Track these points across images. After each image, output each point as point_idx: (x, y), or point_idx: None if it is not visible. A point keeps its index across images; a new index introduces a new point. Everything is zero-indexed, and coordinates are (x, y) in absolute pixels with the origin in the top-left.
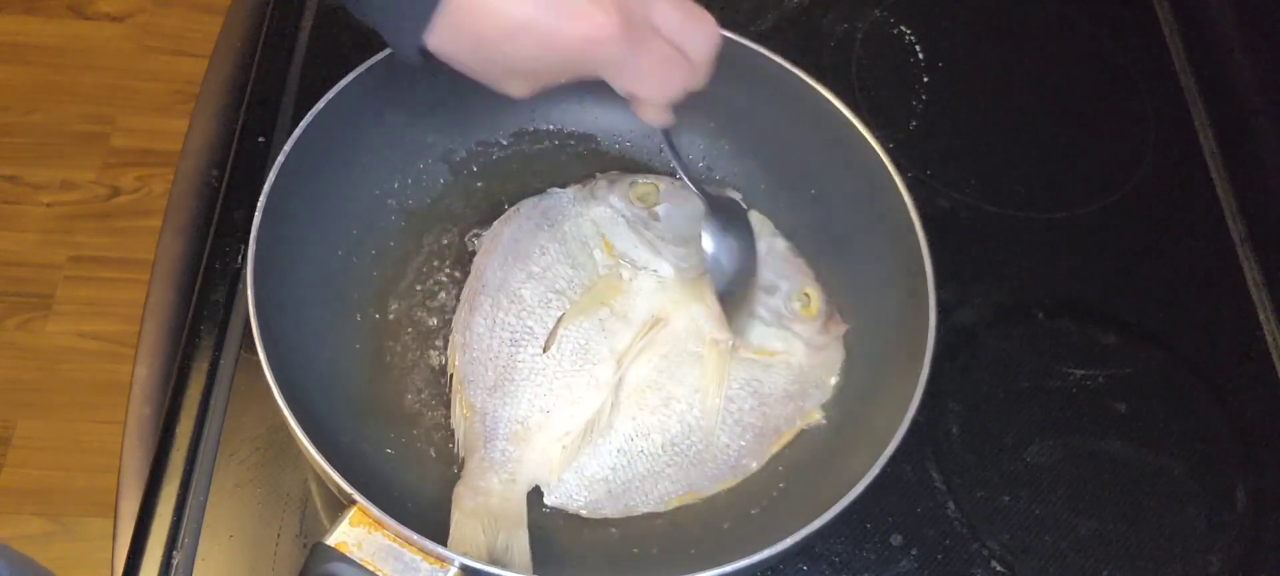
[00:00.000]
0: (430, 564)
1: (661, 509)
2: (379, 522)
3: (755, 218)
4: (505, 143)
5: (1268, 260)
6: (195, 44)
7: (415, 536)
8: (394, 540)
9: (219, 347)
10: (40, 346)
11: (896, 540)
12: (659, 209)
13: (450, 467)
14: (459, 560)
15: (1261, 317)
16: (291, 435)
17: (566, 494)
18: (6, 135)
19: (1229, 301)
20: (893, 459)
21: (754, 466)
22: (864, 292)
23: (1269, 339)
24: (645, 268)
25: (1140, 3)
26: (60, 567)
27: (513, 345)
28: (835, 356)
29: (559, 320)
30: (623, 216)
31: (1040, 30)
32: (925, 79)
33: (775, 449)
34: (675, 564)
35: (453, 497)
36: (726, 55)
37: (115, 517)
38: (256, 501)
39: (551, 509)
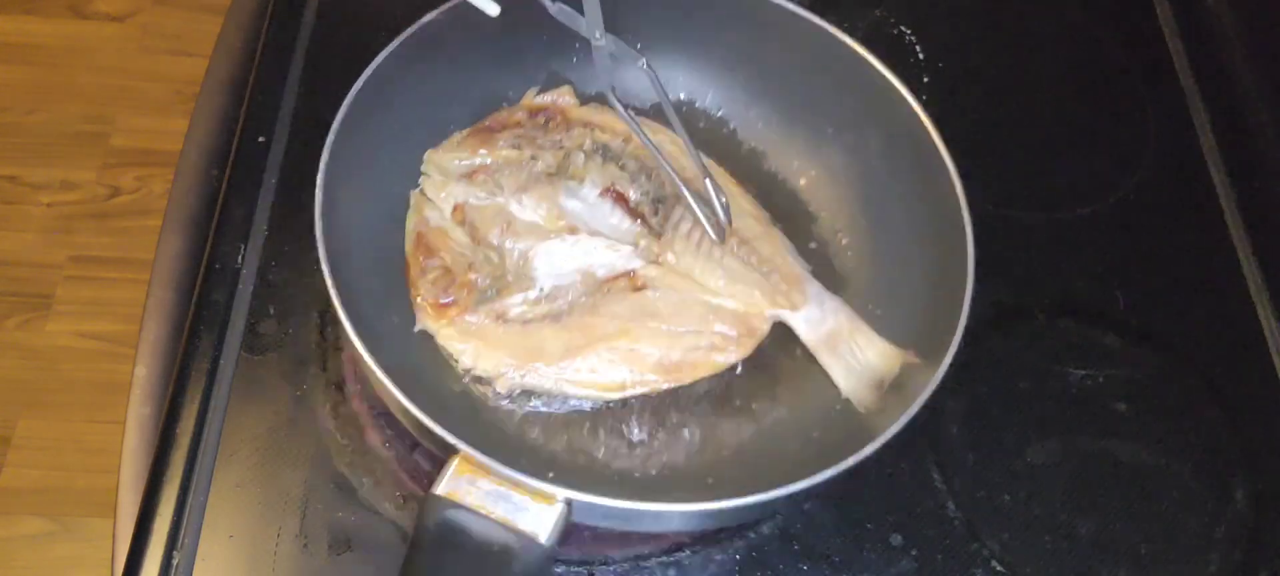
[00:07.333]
0: (538, 501)
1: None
2: (484, 468)
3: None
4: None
5: (1268, 260)
6: (195, 44)
7: (522, 476)
8: (501, 483)
9: (219, 347)
10: (40, 346)
11: (896, 540)
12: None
13: (528, 400)
14: (564, 495)
15: (1261, 317)
16: (386, 395)
17: None
18: (6, 135)
19: (1229, 301)
20: (893, 459)
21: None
22: (896, 238)
23: (1269, 339)
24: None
25: (1140, 3)
26: (60, 568)
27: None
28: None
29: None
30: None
31: (1040, 30)
32: (925, 79)
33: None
34: (757, 480)
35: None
36: (733, 6)
37: (115, 517)
38: (256, 501)
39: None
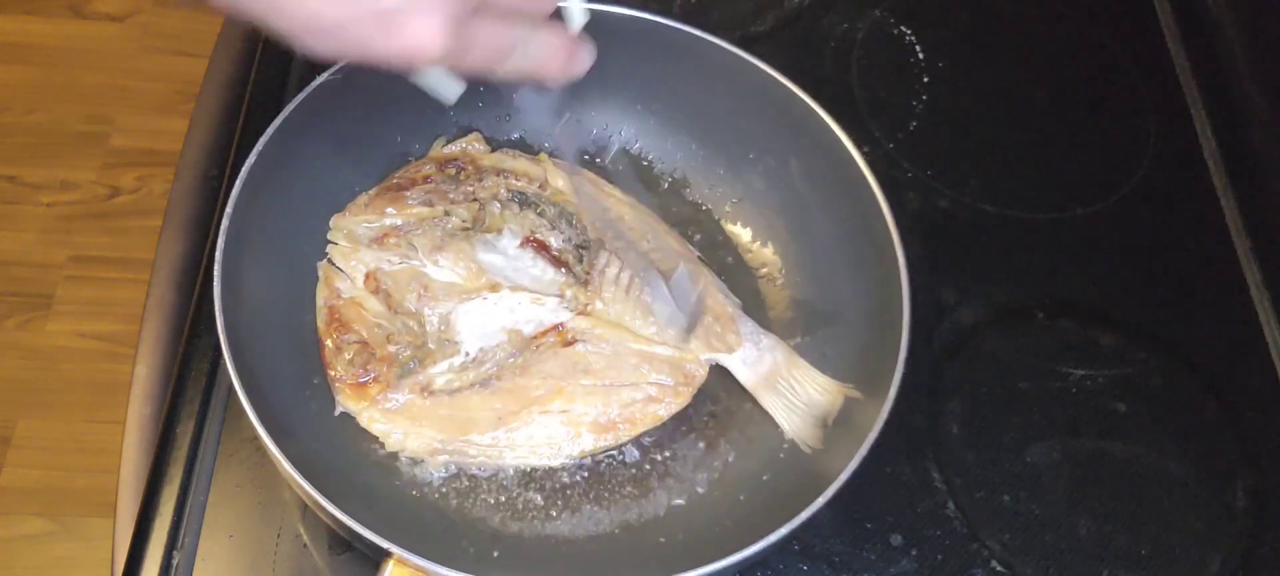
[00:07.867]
0: None
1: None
2: (421, 570)
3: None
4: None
5: (1268, 260)
6: (195, 44)
7: None
8: None
9: (219, 347)
10: (40, 346)
11: (896, 540)
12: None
13: (465, 474)
14: None
15: (1261, 318)
16: (307, 496)
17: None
18: (6, 135)
19: (1229, 301)
20: (893, 459)
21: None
22: (831, 269)
23: (1269, 339)
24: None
25: (1140, 3)
26: (60, 568)
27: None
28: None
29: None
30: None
31: (1040, 30)
32: (925, 79)
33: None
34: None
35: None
36: (644, 34)
37: (115, 517)
38: (256, 501)
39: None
